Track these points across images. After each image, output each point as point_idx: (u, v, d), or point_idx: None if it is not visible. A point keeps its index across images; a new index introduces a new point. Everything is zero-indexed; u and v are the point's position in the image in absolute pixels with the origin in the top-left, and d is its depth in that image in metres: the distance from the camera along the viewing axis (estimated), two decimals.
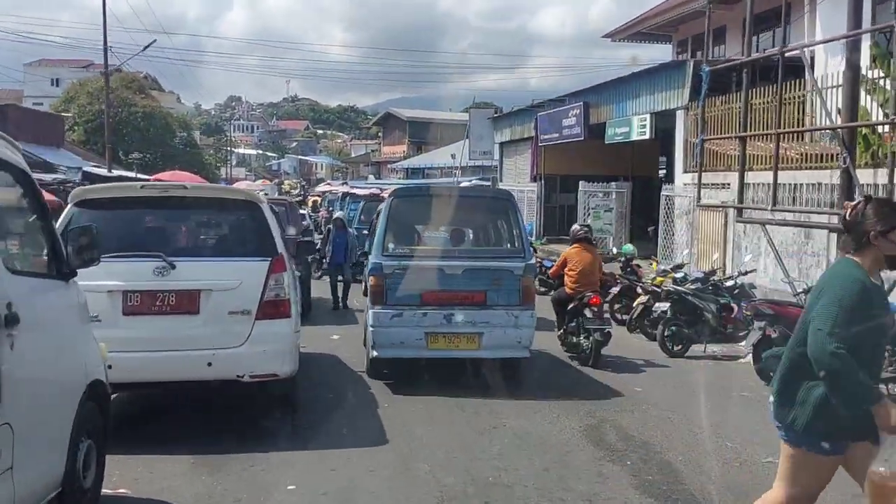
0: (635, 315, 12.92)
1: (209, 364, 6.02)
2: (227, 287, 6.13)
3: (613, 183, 23.72)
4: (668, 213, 18.51)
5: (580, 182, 23.99)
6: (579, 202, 23.83)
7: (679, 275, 13.71)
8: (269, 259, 6.29)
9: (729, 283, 11.90)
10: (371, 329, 8.07)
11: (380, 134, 79.69)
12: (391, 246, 8.30)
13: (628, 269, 15.91)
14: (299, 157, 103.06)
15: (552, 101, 26.41)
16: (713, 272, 13.16)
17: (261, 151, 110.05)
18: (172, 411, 7.17)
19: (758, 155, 15.29)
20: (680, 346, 11.12)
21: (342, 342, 11.42)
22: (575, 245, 10.80)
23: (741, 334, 11.40)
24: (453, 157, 40.73)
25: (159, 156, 51.54)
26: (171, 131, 53.23)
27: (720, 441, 6.65)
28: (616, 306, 14.38)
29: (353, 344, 10.93)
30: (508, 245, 8.74)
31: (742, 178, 12.76)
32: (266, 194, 41.04)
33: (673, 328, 11.09)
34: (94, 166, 28.06)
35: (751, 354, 9.75)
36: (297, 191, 60.65)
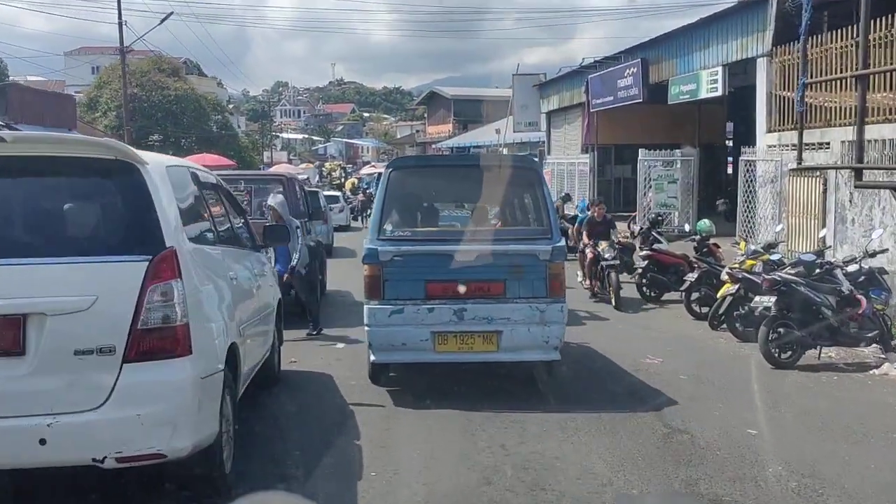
0: (722, 309, 10.17)
1: (42, 441, 3.51)
2: (73, 307, 3.60)
3: (678, 150, 20.66)
4: (747, 181, 15.49)
5: (640, 150, 20.99)
6: (639, 173, 20.86)
7: (775, 257, 10.90)
8: (149, 258, 3.73)
9: (851, 268, 8.99)
10: (367, 329, 6.83)
11: (425, 114, 77.93)
12: (389, 228, 7.02)
13: (704, 250, 13.14)
14: (345, 140, 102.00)
15: (606, 60, 23.36)
16: (821, 252, 10.31)
17: (306, 136, 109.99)
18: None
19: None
20: (789, 354, 8.35)
21: (346, 354, 8.97)
22: None
23: (869, 335, 8.54)
24: (498, 132, 37.99)
25: (194, 140, 50.04)
26: (205, 115, 51.36)
27: None
28: (694, 296, 11.60)
29: (360, 357, 8.56)
30: (533, 225, 7.38)
31: (861, 130, 9.76)
32: (307, 178, 38.78)
33: (780, 330, 8.28)
34: None
35: None
36: (337, 172, 58.90)
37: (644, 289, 13.27)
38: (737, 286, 9.92)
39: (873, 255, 9.08)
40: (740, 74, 17.79)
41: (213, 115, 53.20)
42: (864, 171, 10.05)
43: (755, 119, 15.94)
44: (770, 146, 15.00)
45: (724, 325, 10.14)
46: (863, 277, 8.85)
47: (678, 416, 6.30)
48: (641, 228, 16.57)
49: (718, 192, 25.42)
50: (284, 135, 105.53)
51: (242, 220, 6.62)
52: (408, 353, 6.79)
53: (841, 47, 12.61)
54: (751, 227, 15.45)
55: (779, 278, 8.50)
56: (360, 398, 6.91)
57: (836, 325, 8.34)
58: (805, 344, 8.31)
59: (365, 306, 6.82)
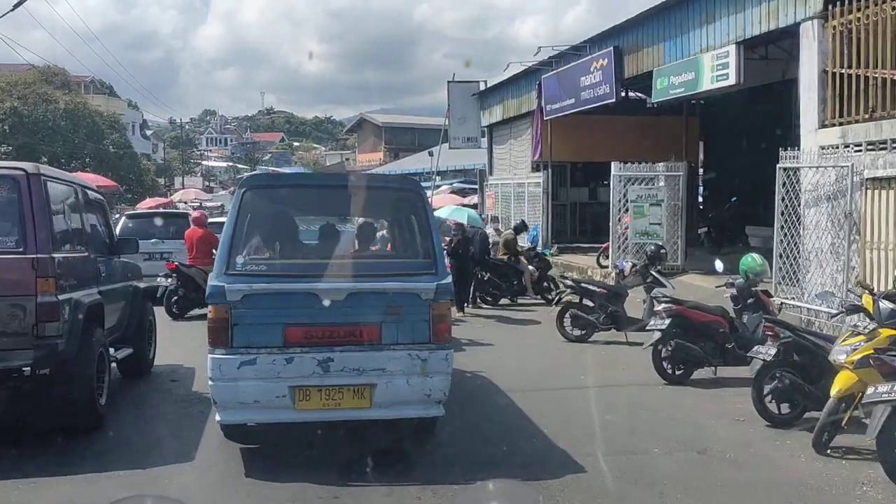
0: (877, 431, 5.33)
1: None
2: None
3: (661, 165, 15.92)
4: (789, 198, 10.69)
5: (612, 164, 16.19)
6: (612, 192, 16.04)
7: None
8: None
9: None
10: (210, 383, 5.61)
11: (356, 144, 74.88)
12: (240, 261, 5.78)
13: (750, 301, 8.39)
14: (271, 168, 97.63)
15: (568, 52, 18.53)
16: None
17: (230, 164, 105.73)
18: None
19: None
20: None
21: None
22: None
23: None
24: (431, 154, 33.12)
25: (88, 160, 43.97)
26: (100, 132, 45.15)
27: None
28: (772, 386, 6.60)
29: None
30: (415, 257, 6.24)
31: None
32: (221, 205, 34.94)
33: None
34: None
35: None
36: None
37: (665, 363, 8.28)
38: (891, 388, 5.04)
39: None
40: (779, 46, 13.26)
41: (110, 133, 46.94)
42: None
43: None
44: (826, 147, 10.26)
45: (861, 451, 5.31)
46: None
47: None
48: (635, 266, 11.70)
49: (697, 219, 20.97)
50: (206, 162, 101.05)
51: None
52: (261, 411, 5.69)
53: None
54: (792, 262, 10.63)
55: None
56: None
57: None
58: None
59: (209, 356, 5.56)
